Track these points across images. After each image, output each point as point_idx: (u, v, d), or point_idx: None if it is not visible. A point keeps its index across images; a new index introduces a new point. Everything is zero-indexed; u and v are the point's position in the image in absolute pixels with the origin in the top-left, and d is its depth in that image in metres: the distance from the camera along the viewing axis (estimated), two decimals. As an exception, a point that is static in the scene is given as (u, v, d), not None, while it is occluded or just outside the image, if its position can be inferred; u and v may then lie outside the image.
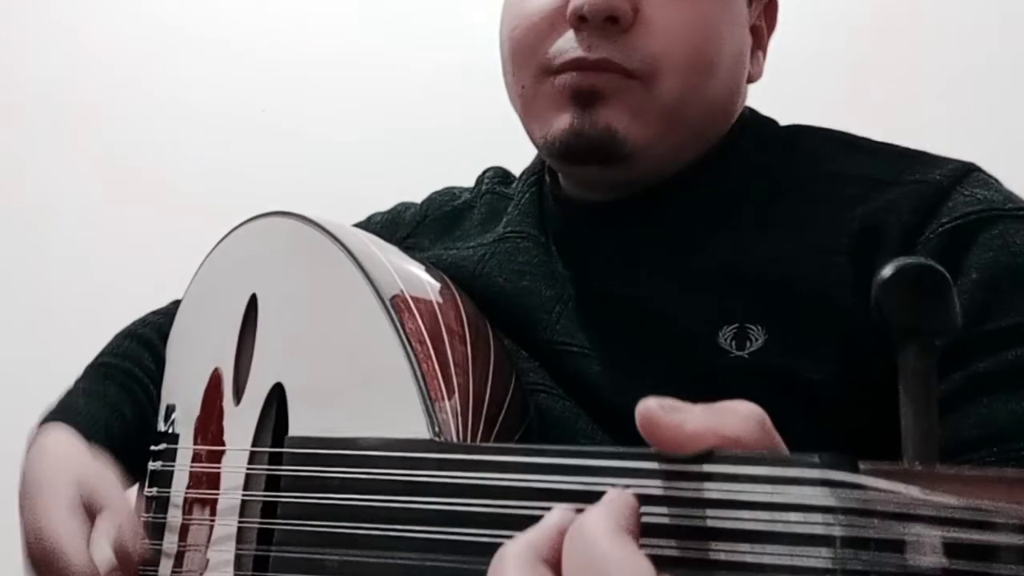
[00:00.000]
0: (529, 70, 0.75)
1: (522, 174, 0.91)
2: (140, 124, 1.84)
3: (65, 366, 0.93)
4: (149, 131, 1.83)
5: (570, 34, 0.72)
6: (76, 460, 0.80)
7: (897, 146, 0.75)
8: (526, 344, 0.79)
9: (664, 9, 0.72)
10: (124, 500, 0.79)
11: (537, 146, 0.79)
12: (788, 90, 1.50)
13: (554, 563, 0.38)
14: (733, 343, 0.68)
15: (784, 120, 0.82)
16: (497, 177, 0.94)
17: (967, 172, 0.70)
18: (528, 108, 0.77)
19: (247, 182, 1.75)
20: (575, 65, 0.72)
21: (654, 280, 0.75)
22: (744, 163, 0.78)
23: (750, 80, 0.81)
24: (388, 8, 1.77)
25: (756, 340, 0.68)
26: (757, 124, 0.82)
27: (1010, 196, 0.69)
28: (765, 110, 0.83)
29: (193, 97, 1.84)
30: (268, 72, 1.82)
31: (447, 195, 0.95)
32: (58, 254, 1.81)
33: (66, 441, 0.82)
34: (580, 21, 0.71)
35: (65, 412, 0.86)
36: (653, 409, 0.40)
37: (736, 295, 0.70)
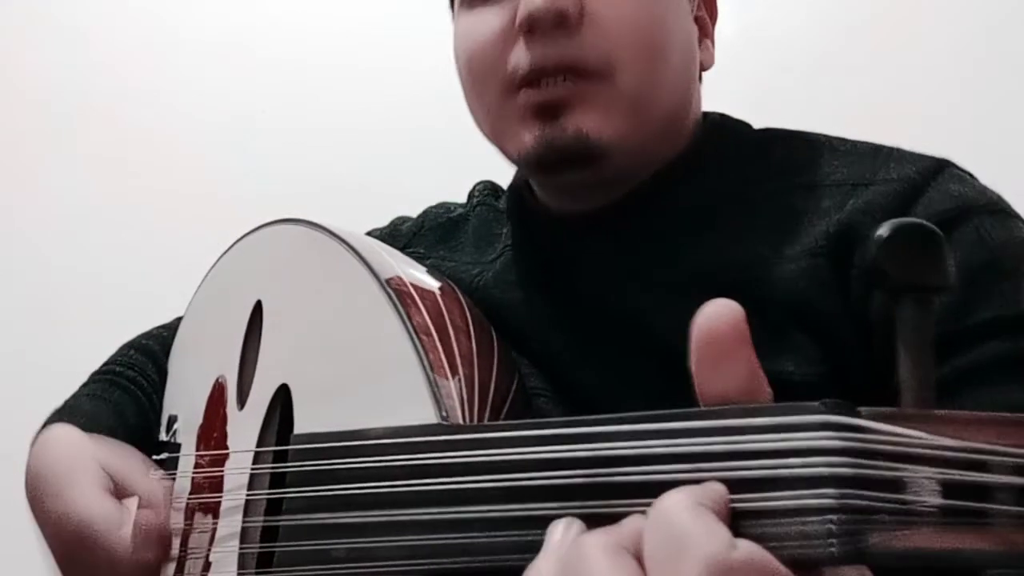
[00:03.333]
0: (492, 90, 0.77)
1: (508, 189, 0.93)
2: (139, 125, 1.84)
3: (67, 367, 0.94)
4: (148, 131, 1.83)
5: (523, 46, 0.74)
6: (91, 444, 0.81)
7: (871, 144, 0.77)
8: (525, 353, 0.80)
9: (609, 4, 0.74)
10: (148, 474, 0.81)
11: (513, 162, 0.81)
12: (788, 90, 1.54)
13: (635, 553, 0.38)
14: None
15: (784, 121, 0.83)
16: (488, 190, 0.96)
17: (940, 168, 0.72)
18: (496, 128, 0.79)
19: (247, 183, 1.76)
20: (536, 75, 0.73)
21: (637, 289, 0.76)
22: (718, 169, 0.79)
23: (703, 68, 0.83)
24: (389, 7, 1.79)
25: None
26: (729, 128, 0.83)
27: (983, 191, 0.71)
28: (765, 111, 0.85)
29: (192, 98, 1.85)
30: (268, 73, 1.83)
31: (442, 208, 0.97)
32: (58, 256, 1.81)
33: (73, 432, 0.83)
34: (530, 30, 0.73)
35: (69, 413, 0.87)
36: (738, 314, 0.41)
37: None
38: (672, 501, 0.38)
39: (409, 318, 0.65)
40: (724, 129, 0.83)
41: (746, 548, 0.36)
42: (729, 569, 0.35)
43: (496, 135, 0.80)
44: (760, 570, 0.36)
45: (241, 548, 0.75)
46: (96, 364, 0.96)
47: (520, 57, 0.74)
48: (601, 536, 0.39)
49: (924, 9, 1.59)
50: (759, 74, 1.51)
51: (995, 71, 1.54)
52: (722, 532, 0.36)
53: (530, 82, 0.74)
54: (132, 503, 0.77)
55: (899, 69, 1.58)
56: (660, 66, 0.76)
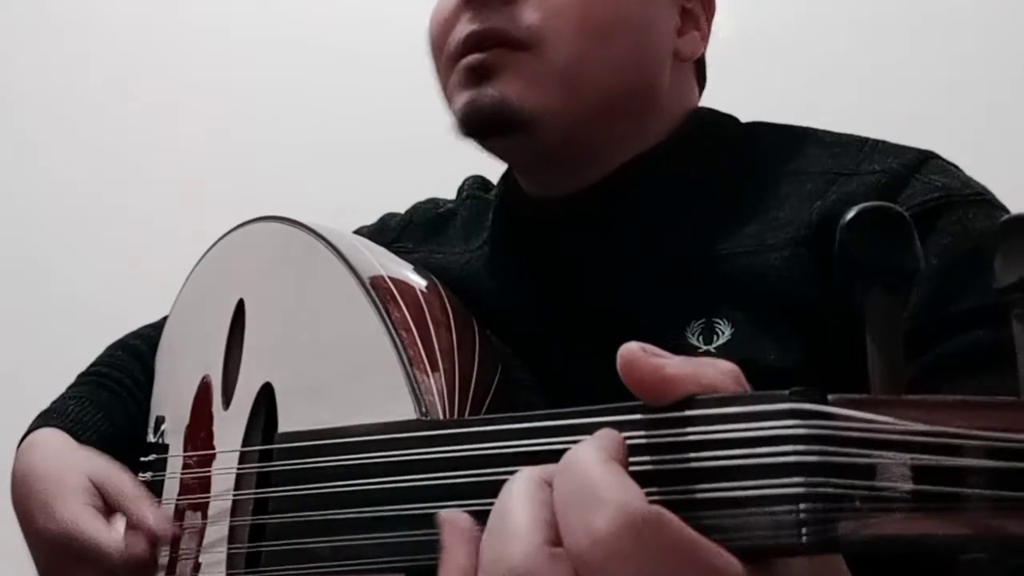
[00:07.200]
0: (443, 63, 0.80)
1: (499, 180, 0.92)
2: (138, 123, 1.84)
3: (62, 366, 0.94)
4: (147, 130, 1.83)
5: (465, 18, 0.76)
6: (82, 457, 0.81)
7: (857, 136, 0.77)
8: (508, 342, 0.80)
9: None
10: (137, 486, 0.81)
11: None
12: (787, 92, 1.54)
13: None
14: (700, 338, 0.70)
15: (785, 118, 0.83)
16: (477, 184, 0.96)
17: (925, 160, 0.72)
18: (446, 98, 0.81)
19: (246, 182, 1.76)
20: (469, 44, 0.76)
21: (620, 279, 0.76)
22: (702, 158, 0.79)
23: (682, 59, 0.82)
24: (390, 4, 1.79)
25: (723, 334, 0.70)
26: (715, 121, 0.83)
27: (967, 182, 0.71)
28: (763, 112, 0.84)
29: (192, 97, 1.85)
30: (268, 70, 1.83)
31: (431, 203, 0.97)
32: (57, 254, 1.81)
33: (60, 438, 0.83)
34: (468, 2, 0.76)
35: (56, 416, 0.87)
36: (635, 351, 0.41)
37: (701, 291, 0.72)
38: (583, 453, 0.39)
39: (388, 314, 0.65)
40: (708, 120, 0.83)
41: (656, 506, 0.37)
42: (642, 519, 0.36)
43: (448, 106, 0.81)
44: (667, 524, 0.36)
45: (230, 549, 0.75)
46: (88, 360, 0.96)
47: (460, 28, 0.77)
48: (526, 471, 0.41)
49: (924, 9, 1.59)
50: (757, 74, 1.51)
51: (995, 71, 1.54)
52: (634, 486, 0.37)
53: (466, 51, 0.76)
54: (120, 524, 0.78)
55: (898, 70, 1.58)
56: (596, 44, 0.76)
